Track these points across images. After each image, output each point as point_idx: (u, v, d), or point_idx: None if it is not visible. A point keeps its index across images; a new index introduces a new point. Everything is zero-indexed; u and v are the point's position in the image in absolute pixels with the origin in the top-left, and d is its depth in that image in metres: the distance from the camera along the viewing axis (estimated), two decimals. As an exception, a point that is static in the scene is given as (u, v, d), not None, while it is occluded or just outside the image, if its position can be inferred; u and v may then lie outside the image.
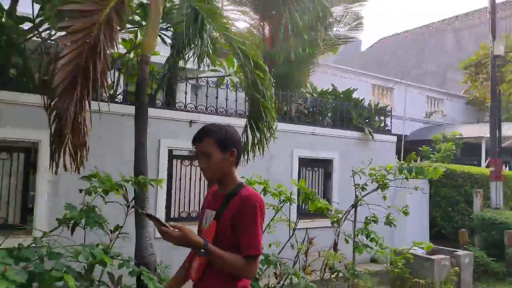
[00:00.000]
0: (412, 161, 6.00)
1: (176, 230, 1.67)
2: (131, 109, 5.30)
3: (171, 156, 5.79)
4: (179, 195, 5.89)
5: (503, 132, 9.93)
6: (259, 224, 1.79)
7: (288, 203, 4.58)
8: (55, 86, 3.12)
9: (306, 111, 7.67)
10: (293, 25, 8.33)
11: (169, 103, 6.08)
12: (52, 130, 3.26)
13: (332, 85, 8.13)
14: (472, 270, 6.46)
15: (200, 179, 6.04)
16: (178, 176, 5.86)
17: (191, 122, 5.88)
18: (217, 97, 6.21)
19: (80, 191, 3.78)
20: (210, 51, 5.35)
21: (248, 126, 4.60)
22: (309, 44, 8.47)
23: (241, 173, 2.07)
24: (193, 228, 1.71)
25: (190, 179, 5.97)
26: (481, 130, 11.04)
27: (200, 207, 2.16)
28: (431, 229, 8.28)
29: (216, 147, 1.81)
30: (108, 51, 3.33)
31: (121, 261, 3.53)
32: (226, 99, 6.29)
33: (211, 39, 5.14)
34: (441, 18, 24.42)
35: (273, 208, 4.56)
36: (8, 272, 2.72)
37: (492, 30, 8.13)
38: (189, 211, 5.98)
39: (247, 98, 4.79)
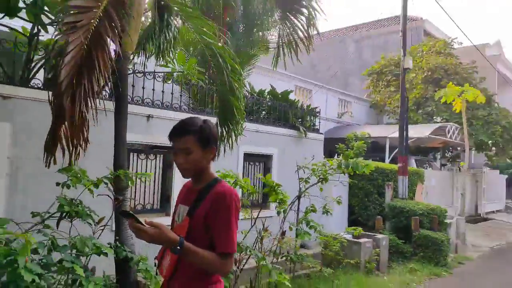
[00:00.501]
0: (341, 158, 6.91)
1: (150, 227, 1.63)
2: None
3: (128, 149, 5.83)
4: (135, 188, 5.95)
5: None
6: (233, 221, 1.77)
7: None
8: (61, 81, 3.15)
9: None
10: (233, 25, 8.73)
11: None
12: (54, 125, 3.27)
13: (271, 86, 8.73)
14: (388, 251, 7.62)
15: (156, 173, 6.17)
16: (135, 169, 5.92)
17: (148, 116, 5.97)
18: (172, 93, 6.37)
19: (57, 184, 3.81)
20: (172, 49, 5.54)
21: (218, 124, 4.94)
22: (247, 45, 8.96)
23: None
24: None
25: (146, 172, 6.06)
26: (385, 131, 12.66)
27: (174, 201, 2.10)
28: (349, 216, 9.40)
29: (197, 144, 1.79)
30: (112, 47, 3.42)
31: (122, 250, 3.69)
32: (181, 95, 6.49)
33: (174, 37, 5.35)
34: (342, 27, 26.72)
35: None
36: (28, 264, 2.77)
37: (403, 47, 9.50)
38: (144, 203, 6.08)
39: (218, 97, 5.09)
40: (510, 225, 14.77)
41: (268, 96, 8.57)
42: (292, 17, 4.07)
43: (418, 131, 12.53)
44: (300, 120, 8.67)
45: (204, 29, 4.55)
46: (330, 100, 14.41)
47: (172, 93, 6.38)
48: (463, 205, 10.65)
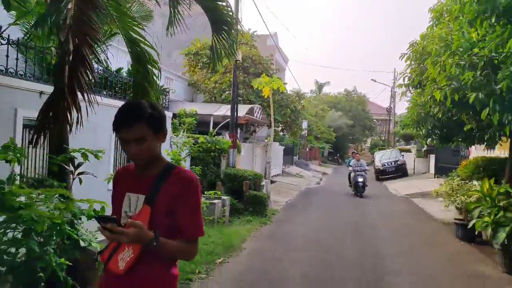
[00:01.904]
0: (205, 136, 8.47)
1: (130, 228, 1.59)
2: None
3: (24, 125, 5.82)
4: (28, 160, 5.98)
5: (222, 111, 13.84)
6: (200, 205, 1.82)
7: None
8: (65, 75, 3.65)
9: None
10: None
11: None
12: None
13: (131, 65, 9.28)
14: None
15: (45, 149, 6.27)
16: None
17: (41, 93, 6.04)
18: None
19: (6, 161, 4.17)
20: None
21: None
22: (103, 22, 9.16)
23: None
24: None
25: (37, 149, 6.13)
26: (210, 109, 14.61)
27: (112, 189, 1.97)
28: (191, 184, 11.00)
29: (149, 131, 1.71)
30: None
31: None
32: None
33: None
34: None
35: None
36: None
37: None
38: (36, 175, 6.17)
39: (134, 83, 5.79)
40: (289, 185, 19.25)
41: (125, 73, 9.16)
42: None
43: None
44: (155, 98, 9.60)
45: (133, 26, 5.23)
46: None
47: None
48: (268, 171, 13.68)
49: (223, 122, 14.40)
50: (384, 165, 25.30)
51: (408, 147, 32.76)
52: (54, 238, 3.34)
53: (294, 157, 30.47)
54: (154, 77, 5.62)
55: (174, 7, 5.84)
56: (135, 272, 1.71)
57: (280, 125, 18.87)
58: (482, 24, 5.09)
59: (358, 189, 15.48)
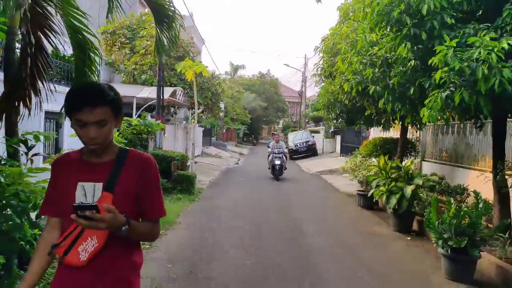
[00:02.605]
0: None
1: (106, 213, 1.52)
2: None
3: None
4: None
5: (145, 94, 14.08)
6: (160, 185, 1.82)
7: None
8: (26, 65, 3.99)
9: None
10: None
11: None
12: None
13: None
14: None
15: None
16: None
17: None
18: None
19: None
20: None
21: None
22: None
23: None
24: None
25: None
26: (133, 91, 14.64)
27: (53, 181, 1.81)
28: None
29: (111, 114, 1.68)
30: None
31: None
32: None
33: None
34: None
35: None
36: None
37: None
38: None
39: (75, 69, 6.03)
40: (209, 165, 20.03)
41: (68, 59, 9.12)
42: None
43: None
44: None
45: (78, 17, 5.48)
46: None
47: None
48: (193, 152, 14.22)
49: (146, 105, 14.59)
50: (297, 145, 27.27)
51: (317, 128, 35.37)
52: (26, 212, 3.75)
53: (212, 138, 31.22)
54: (96, 64, 5.91)
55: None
56: (97, 261, 1.65)
57: (201, 107, 19.43)
58: (380, 30, 6.29)
59: (275, 172, 15.31)
